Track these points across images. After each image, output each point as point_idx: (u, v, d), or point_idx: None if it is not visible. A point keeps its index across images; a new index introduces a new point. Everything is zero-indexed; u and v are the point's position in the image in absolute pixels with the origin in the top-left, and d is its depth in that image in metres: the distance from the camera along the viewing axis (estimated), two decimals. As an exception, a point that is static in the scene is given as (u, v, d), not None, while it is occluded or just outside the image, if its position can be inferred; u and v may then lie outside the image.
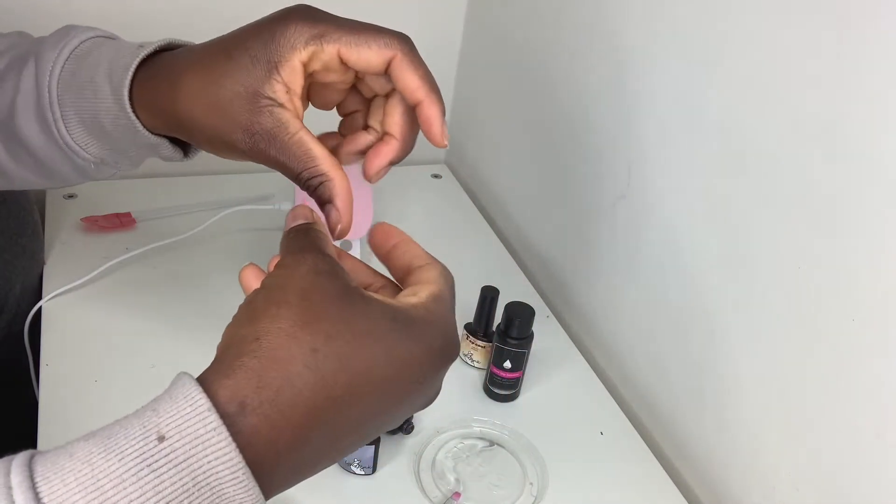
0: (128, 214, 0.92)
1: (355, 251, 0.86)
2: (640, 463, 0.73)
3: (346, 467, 0.67)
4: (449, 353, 0.39)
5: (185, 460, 0.32)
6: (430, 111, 0.43)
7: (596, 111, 0.82)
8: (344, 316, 0.35)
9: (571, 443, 0.74)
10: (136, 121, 0.48)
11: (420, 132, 0.45)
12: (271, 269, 0.40)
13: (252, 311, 0.36)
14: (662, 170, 0.73)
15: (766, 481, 0.65)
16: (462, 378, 0.79)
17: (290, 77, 0.42)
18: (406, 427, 0.70)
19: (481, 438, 0.73)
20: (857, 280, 0.55)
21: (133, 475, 0.31)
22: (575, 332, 0.90)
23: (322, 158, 0.42)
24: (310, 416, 0.34)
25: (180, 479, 0.31)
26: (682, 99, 0.69)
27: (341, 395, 0.35)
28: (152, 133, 0.48)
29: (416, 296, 0.39)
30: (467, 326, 0.79)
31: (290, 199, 0.93)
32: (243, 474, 0.32)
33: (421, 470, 0.68)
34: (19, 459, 0.32)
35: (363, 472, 0.67)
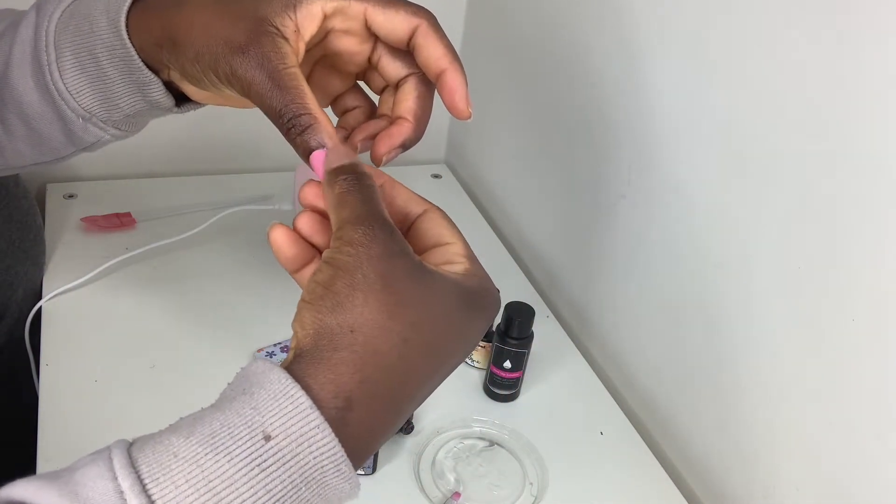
0: (128, 214, 0.92)
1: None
2: (640, 463, 0.73)
3: (346, 467, 0.67)
4: (498, 303, 0.41)
5: (292, 458, 0.33)
6: (454, 80, 0.43)
7: (596, 111, 0.82)
8: (422, 300, 0.36)
9: (571, 443, 0.74)
10: (131, 47, 0.46)
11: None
12: (300, 225, 0.40)
13: (335, 297, 0.35)
14: (663, 170, 0.73)
15: (766, 481, 0.65)
16: (462, 378, 0.79)
17: (305, 20, 0.41)
18: (406, 427, 0.70)
19: (481, 438, 0.73)
20: (857, 280, 0.55)
21: (244, 475, 0.32)
22: (575, 332, 0.90)
23: (312, 99, 0.40)
24: (403, 402, 0.36)
25: (289, 477, 0.33)
26: (682, 99, 0.69)
27: (426, 378, 0.37)
28: (147, 67, 0.47)
29: (457, 264, 0.39)
30: (467, 326, 0.79)
31: (290, 199, 0.94)
32: (346, 466, 0.34)
33: (421, 470, 0.68)
34: (120, 459, 0.32)
35: (363, 472, 0.67)
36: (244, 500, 0.32)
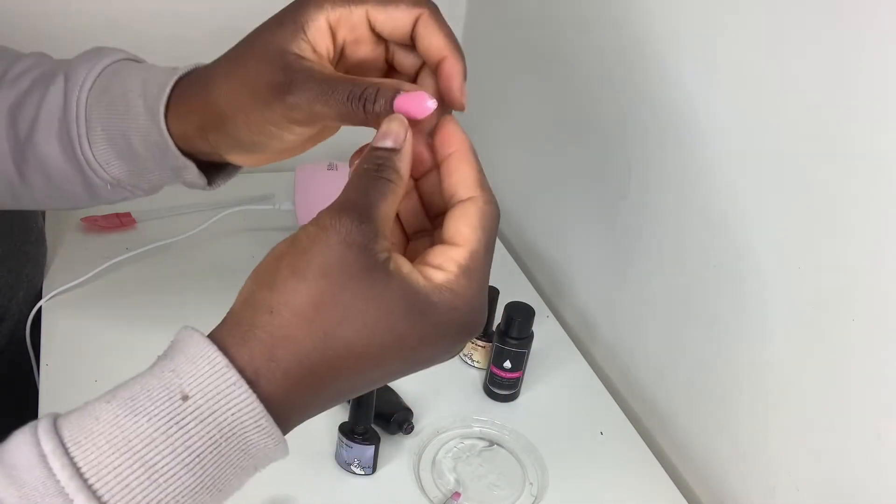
0: (128, 214, 0.92)
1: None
2: (640, 463, 0.73)
3: (346, 467, 0.67)
4: (470, 330, 0.38)
5: (210, 414, 0.33)
6: (452, 67, 0.41)
7: (597, 111, 0.82)
8: (360, 298, 0.35)
9: (571, 443, 0.74)
10: (169, 138, 0.48)
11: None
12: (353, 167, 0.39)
13: (275, 273, 0.36)
14: (663, 170, 0.73)
15: (766, 481, 0.65)
16: (462, 378, 0.79)
17: (317, 37, 0.42)
18: (406, 427, 0.70)
19: (481, 438, 0.73)
20: (857, 280, 0.55)
21: (162, 433, 0.33)
22: (575, 332, 0.90)
23: (364, 77, 0.40)
24: (319, 384, 0.36)
25: (208, 432, 0.33)
26: (683, 99, 0.69)
27: (351, 375, 0.36)
28: (182, 153, 0.48)
29: (443, 271, 0.37)
30: (467, 326, 0.79)
31: (290, 200, 0.93)
32: (266, 421, 0.34)
33: (421, 470, 0.68)
34: (45, 426, 0.33)
35: (363, 472, 0.67)
36: (164, 458, 0.32)
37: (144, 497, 0.32)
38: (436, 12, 0.42)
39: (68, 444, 0.32)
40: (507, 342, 0.73)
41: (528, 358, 0.75)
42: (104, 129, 0.50)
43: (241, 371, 0.34)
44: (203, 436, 0.33)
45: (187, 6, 0.96)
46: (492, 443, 0.73)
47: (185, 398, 0.33)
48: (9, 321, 0.79)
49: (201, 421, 0.33)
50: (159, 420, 0.33)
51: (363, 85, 0.39)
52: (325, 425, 0.69)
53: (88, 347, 0.75)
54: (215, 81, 0.45)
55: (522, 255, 1.01)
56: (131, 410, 0.33)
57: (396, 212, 0.39)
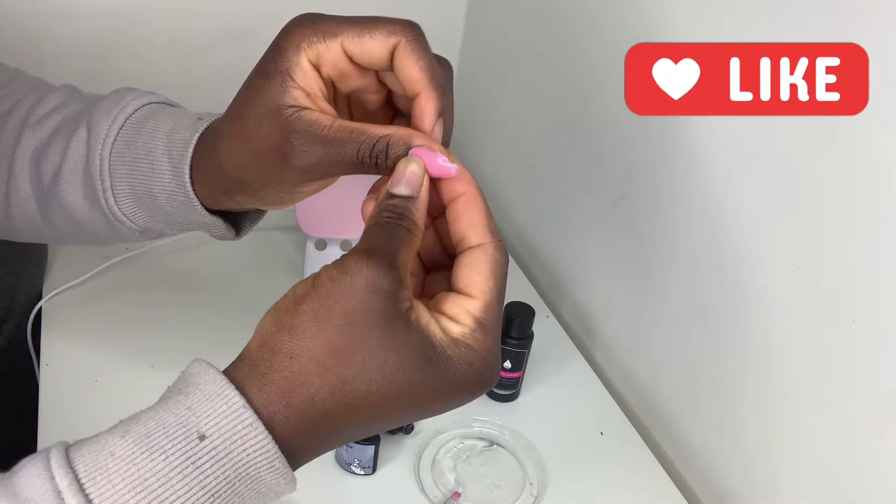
0: (128, 214, 0.92)
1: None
2: (640, 463, 0.73)
3: (346, 467, 0.67)
4: (484, 385, 0.37)
5: (226, 455, 0.33)
6: (424, 106, 0.39)
7: (597, 111, 0.82)
8: (380, 348, 0.34)
9: (571, 443, 0.74)
10: (195, 199, 0.47)
11: None
12: (365, 212, 0.38)
13: (295, 318, 0.35)
14: (663, 170, 0.73)
15: (766, 481, 0.65)
16: (462, 378, 0.79)
17: (305, 80, 0.40)
18: (406, 427, 0.70)
19: (481, 438, 0.73)
20: (857, 280, 0.55)
21: (178, 472, 0.33)
22: (575, 331, 0.90)
23: (371, 127, 0.39)
24: (332, 429, 0.36)
25: (223, 473, 0.34)
26: (682, 99, 0.69)
27: (361, 422, 0.36)
28: (209, 211, 0.48)
29: (459, 324, 0.36)
30: (467, 326, 0.79)
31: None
32: (280, 462, 0.34)
33: (421, 470, 0.68)
34: (58, 459, 0.33)
35: (363, 472, 0.67)
36: (180, 497, 0.32)
37: None
38: (413, 40, 0.39)
39: (83, 480, 0.32)
40: (507, 342, 0.73)
41: (528, 358, 0.75)
42: (129, 184, 0.49)
43: (258, 413, 0.34)
44: (218, 475, 0.33)
45: (188, 5, 0.96)
46: (492, 443, 0.73)
47: (201, 438, 0.33)
48: (11, 322, 0.79)
49: (217, 461, 0.33)
50: (176, 459, 0.33)
51: (371, 141, 0.38)
52: (325, 425, 0.69)
53: (88, 347, 0.75)
54: (224, 147, 0.44)
55: (522, 255, 1.01)
56: (147, 447, 0.33)
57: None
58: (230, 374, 0.36)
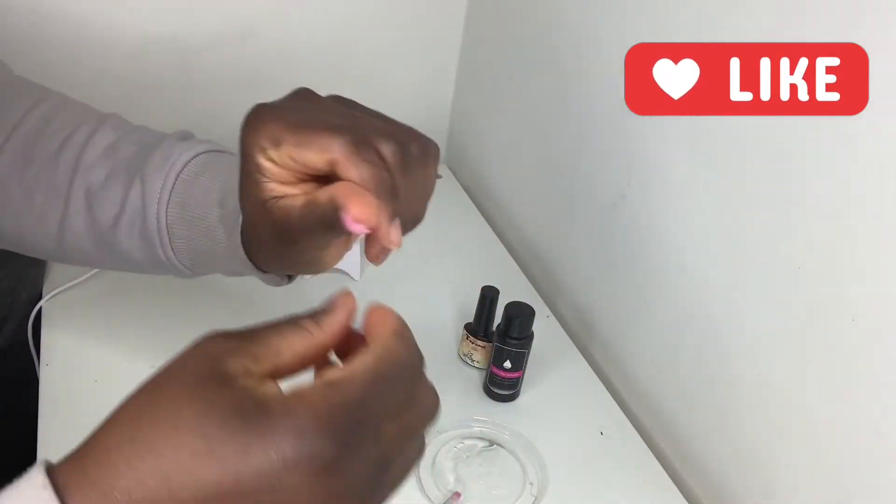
0: (128, 214, 0.92)
1: (354, 264, 0.86)
2: (640, 463, 0.73)
3: (346, 467, 0.67)
4: (319, 456, 0.28)
5: None
6: (359, 216, 0.38)
7: (597, 111, 0.82)
8: (181, 417, 0.31)
9: (571, 443, 0.74)
10: (251, 263, 0.49)
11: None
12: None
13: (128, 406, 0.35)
14: (663, 170, 0.73)
15: (766, 481, 0.65)
16: (462, 378, 0.79)
17: (274, 170, 0.41)
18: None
19: (481, 438, 0.73)
20: (857, 280, 0.55)
21: None
22: (575, 331, 0.90)
23: (320, 194, 0.39)
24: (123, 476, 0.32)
25: None
26: (682, 99, 0.69)
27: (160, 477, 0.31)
28: (263, 271, 0.50)
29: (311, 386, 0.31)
30: (467, 326, 0.79)
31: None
32: None
33: (421, 470, 0.68)
34: None
35: (363, 472, 0.67)
36: None
37: None
38: (350, 154, 0.38)
39: None
40: (507, 342, 0.73)
41: (528, 358, 0.75)
42: (188, 244, 0.52)
43: (62, 487, 0.31)
44: None
45: (188, 5, 0.96)
46: (492, 443, 0.73)
47: None
48: (11, 321, 0.79)
49: None
50: None
51: (322, 206, 0.39)
52: (325, 425, 0.70)
53: (89, 347, 0.75)
54: (246, 230, 0.47)
55: (523, 254, 1.01)
56: None
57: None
58: (56, 481, 0.31)
